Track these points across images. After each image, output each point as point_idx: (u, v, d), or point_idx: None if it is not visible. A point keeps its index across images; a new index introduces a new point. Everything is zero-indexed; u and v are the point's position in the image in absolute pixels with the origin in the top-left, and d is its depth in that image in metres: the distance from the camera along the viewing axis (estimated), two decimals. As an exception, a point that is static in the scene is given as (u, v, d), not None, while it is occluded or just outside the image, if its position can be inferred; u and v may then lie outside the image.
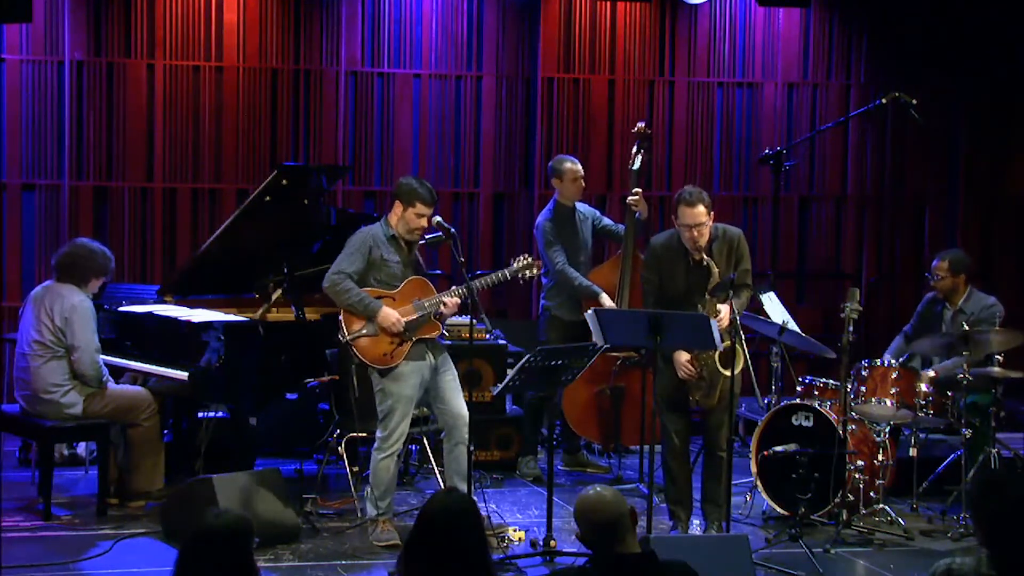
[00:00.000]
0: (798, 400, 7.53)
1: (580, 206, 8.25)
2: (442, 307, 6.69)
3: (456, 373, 6.84)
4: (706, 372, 6.67)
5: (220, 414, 7.71)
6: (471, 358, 7.23)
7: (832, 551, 6.79)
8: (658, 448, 7.05)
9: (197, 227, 9.51)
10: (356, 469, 7.39)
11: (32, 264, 9.31)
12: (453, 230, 6.78)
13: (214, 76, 9.53)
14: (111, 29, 9.34)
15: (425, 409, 7.26)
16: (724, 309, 6.55)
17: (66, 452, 8.16)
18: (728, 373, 6.58)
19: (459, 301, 6.72)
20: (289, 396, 8.10)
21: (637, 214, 8.01)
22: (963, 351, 7.27)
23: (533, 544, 6.74)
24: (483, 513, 4.73)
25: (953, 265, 7.96)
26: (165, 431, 7.61)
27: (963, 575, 3.89)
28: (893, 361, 7.61)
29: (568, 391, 7.98)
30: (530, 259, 6.81)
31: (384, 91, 9.78)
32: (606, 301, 7.89)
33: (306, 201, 7.47)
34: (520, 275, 6.80)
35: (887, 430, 7.51)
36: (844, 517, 7.07)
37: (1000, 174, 10.73)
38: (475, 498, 5.30)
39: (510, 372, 6.71)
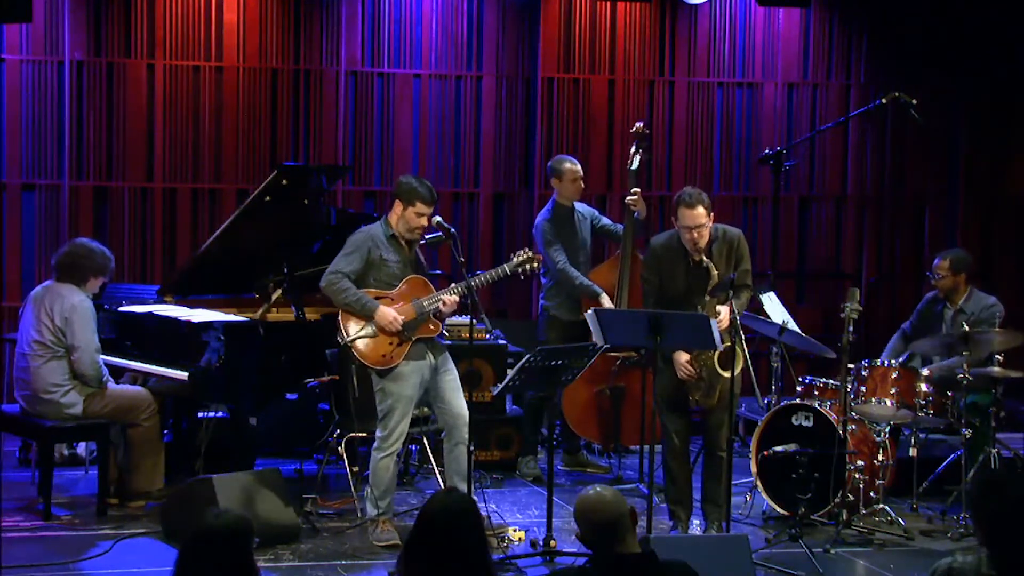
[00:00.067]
0: (798, 400, 7.53)
1: (579, 206, 8.25)
2: (441, 306, 6.68)
3: (456, 373, 6.84)
4: (705, 373, 6.67)
5: (220, 414, 7.71)
6: (471, 358, 7.24)
7: (832, 551, 6.79)
8: (658, 448, 7.05)
9: (197, 227, 9.51)
10: (356, 469, 7.39)
11: (32, 264, 9.31)
12: (453, 230, 6.77)
13: (214, 76, 9.53)
14: (111, 29, 9.34)
15: (425, 409, 7.26)
16: (724, 310, 6.54)
17: (66, 452, 8.15)
18: (727, 374, 6.58)
19: (458, 299, 6.71)
20: (289, 396, 8.10)
21: (636, 214, 8.02)
22: (963, 351, 7.27)
23: (533, 544, 6.74)
24: (483, 513, 4.73)
25: (954, 264, 7.96)
26: (165, 431, 7.61)
27: (964, 574, 3.89)
28: (893, 361, 7.61)
29: (568, 391, 7.98)
30: (530, 253, 6.80)
31: (384, 91, 9.78)
32: (606, 301, 7.89)
33: (306, 201, 7.47)
34: (520, 270, 6.78)
35: (887, 430, 7.51)
36: (844, 517, 7.07)
37: (1000, 174, 10.73)
38: (475, 498, 5.30)
39: (510, 372, 6.71)
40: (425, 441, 7.70)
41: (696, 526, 7.01)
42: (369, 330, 6.62)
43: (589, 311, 6.62)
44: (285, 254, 7.37)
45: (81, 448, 8.15)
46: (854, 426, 7.34)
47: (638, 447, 8.26)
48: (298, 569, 6.37)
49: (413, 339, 6.66)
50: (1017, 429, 8.51)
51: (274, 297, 7.37)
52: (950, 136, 10.61)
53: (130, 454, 7.32)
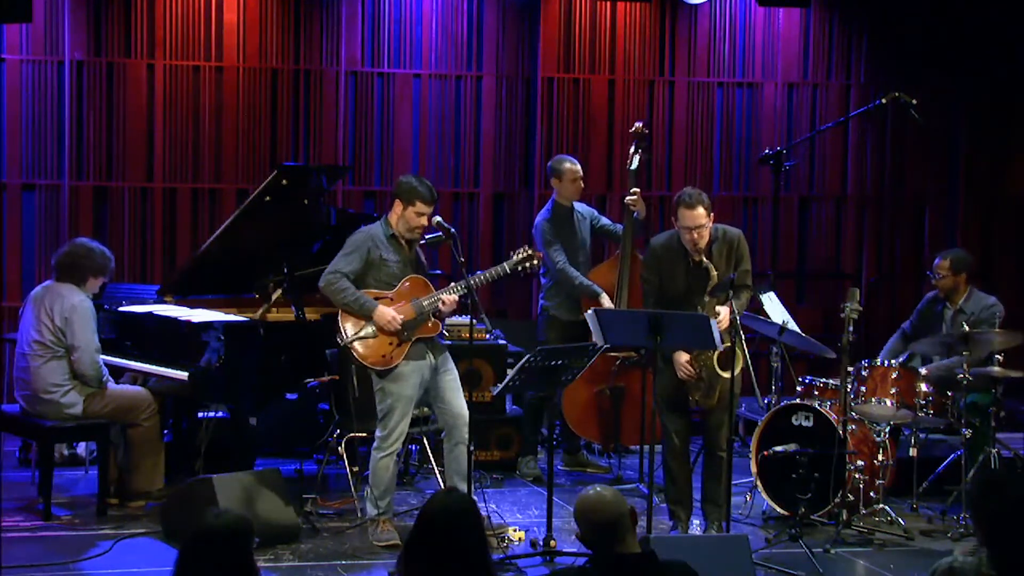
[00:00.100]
0: (798, 400, 7.53)
1: (578, 206, 8.25)
2: (440, 305, 6.67)
3: (456, 373, 6.83)
4: (705, 373, 6.67)
5: (220, 414, 7.71)
6: (471, 358, 7.24)
7: (832, 551, 6.79)
8: (658, 448, 7.05)
9: (197, 227, 9.51)
10: (356, 469, 7.39)
11: (32, 264, 9.31)
12: (453, 230, 6.77)
13: (214, 76, 9.53)
14: (111, 29, 9.34)
15: (425, 409, 7.26)
16: (723, 311, 6.54)
17: (66, 452, 8.16)
18: (727, 375, 6.58)
19: (457, 299, 6.70)
20: (289, 396, 8.10)
21: (635, 214, 8.02)
22: (962, 351, 7.27)
23: (533, 544, 6.74)
24: (483, 513, 4.73)
25: (955, 264, 7.96)
26: (165, 431, 7.61)
27: (964, 574, 3.90)
28: (893, 361, 7.61)
29: (568, 391, 7.98)
30: (530, 251, 6.79)
31: (384, 91, 9.78)
32: (606, 301, 7.89)
33: (306, 201, 7.47)
34: (520, 267, 6.78)
35: (887, 430, 7.51)
36: (844, 517, 7.07)
37: (1000, 174, 10.74)
38: (475, 498, 5.30)
39: (510, 372, 6.71)
40: (425, 441, 7.70)
41: (696, 526, 7.00)
42: (369, 330, 6.62)
43: (589, 311, 6.62)
44: (285, 254, 7.37)
45: (81, 448, 8.15)
46: (854, 426, 7.34)
47: (638, 447, 8.26)
48: (298, 569, 6.37)
49: (413, 339, 6.66)
50: (1017, 429, 8.51)
51: (274, 297, 7.37)
52: (950, 136, 10.61)
53: (130, 454, 7.32)
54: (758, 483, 7.39)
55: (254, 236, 7.36)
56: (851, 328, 7.00)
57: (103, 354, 7.28)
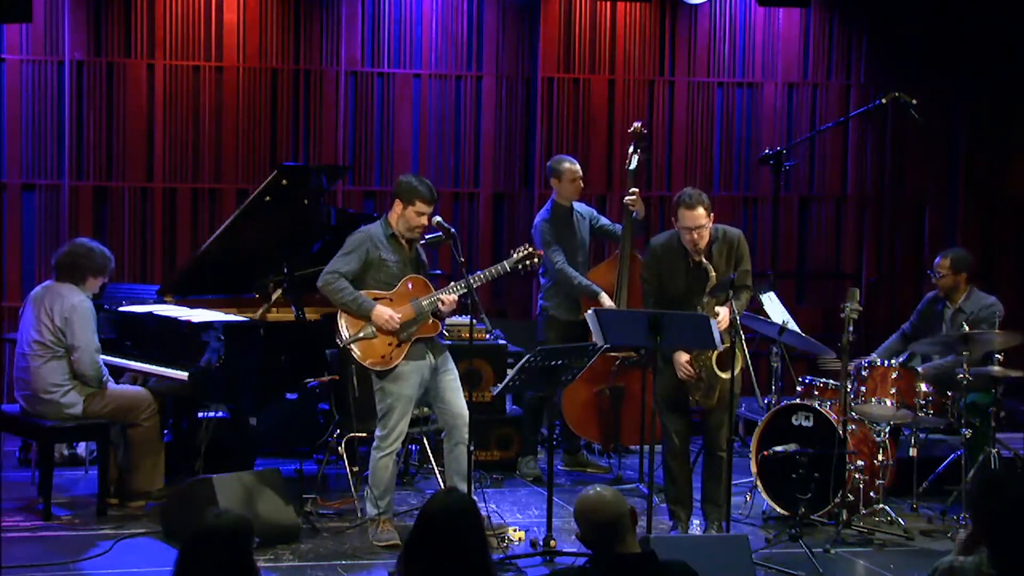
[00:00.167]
0: (798, 400, 7.53)
1: (578, 206, 8.25)
2: (440, 305, 6.67)
3: (456, 373, 6.83)
4: (704, 373, 6.67)
5: (220, 414, 7.71)
6: (471, 358, 7.24)
7: (832, 551, 6.79)
8: (658, 448, 7.05)
9: (197, 227, 9.51)
10: (356, 469, 7.39)
11: (32, 264, 9.31)
12: (453, 230, 6.77)
13: (214, 76, 9.53)
14: (111, 29, 9.34)
15: (425, 409, 7.26)
16: (723, 311, 6.54)
17: (66, 452, 8.16)
18: (725, 375, 6.58)
19: (457, 298, 6.70)
20: (289, 396, 8.10)
21: (634, 214, 8.02)
22: (962, 351, 7.27)
23: (533, 544, 6.74)
24: (483, 513, 4.73)
25: (955, 263, 7.97)
26: (165, 431, 7.61)
27: (964, 573, 3.90)
28: (893, 361, 7.61)
29: (568, 391, 7.98)
30: (530, 249, 6.79)
31: (384, 91, 9.78)
32: (606, 301, 7.89)
33: (306, 201, 7.47)
34: (521, 266, 6.78)
35: (887, 430, 7.51)
36: (844, 517, 7.07)
37: (1000, 174, 10.74)
38: (475, 498, 5.30)
39: (510, 372, 6.71)
40: (425, 441, 7.70)
41: (696, 526, 7.01)
42: (368, 330, 6.61)
43: (589, 311, 6.61)
44: (285, 254, 7.37)
45: (81, 448, 8.15)
46: (854, 426, 7.34)
47: (638, 447, 8.26)
48: (298, 569, 6.37)
49: (412, 339, 6.65)
50: (1017, 429, 8.51)
51: (274, 297, 7.37)
52: (950, 136, 10.61)
53: (130, 454, 7.32)
54: (758, 483, 7.39)
55: (254, 236, 7.36)
56: (851, 328, 7.00)
57: (103, 354, 7.27)
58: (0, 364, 9.02)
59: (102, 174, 9.39)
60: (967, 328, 7.40)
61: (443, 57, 9.83)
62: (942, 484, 7.74)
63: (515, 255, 6.79)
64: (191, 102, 9.49)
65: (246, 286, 7.74)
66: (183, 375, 7.14)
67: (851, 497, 7.17)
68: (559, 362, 6.44)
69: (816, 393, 7.57)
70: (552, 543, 6.57)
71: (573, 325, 7.93)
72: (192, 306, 7.61)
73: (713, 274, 6.59)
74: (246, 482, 6.69)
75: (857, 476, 7.21)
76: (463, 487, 6.39)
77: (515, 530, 6.84)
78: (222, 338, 7.02)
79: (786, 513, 7.17)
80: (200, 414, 7.76)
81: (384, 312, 6.59)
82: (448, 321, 7.24)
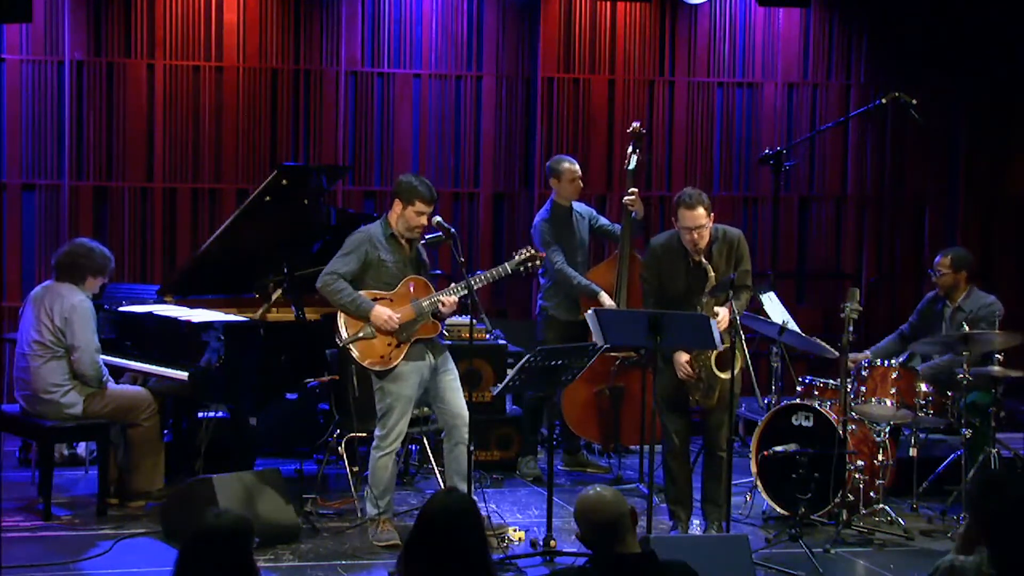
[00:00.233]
0: (798, 400, 7.53)
1: (577, 206, 8.25)
2: (440, 306, 6.67)
3: (456, 373, 6.83)
4: (704, 373, 6.67)
5: (220, 414, 7.71)
6: (471, 358, 7.24)
7: (832, 551, 6.79)
8: (658, 448, 7.05)
9: (197, 227, 9.51)
10: (356, 469, 7.39)
11: (32, 264, 9.31)
12: (453, 230, 6.77)
13: (214, 76, 9.53)
14: (111, 29, 9.34)
15: (425, 409, 7.26)
16: (723, 311, 6.54)
17: (66, 452, 8.16)
18: (725, 376, 6.58)
19: (457, 300, 6.70)
20: (289, 396, 8.10)
21: (633, 214, 8.02)
22: (962, 351, 7.27)
23: (533, 544, 6.74)
24: (483, 513, 4.73)
25: (955, 262, 7.97)
26: (165, 431, 7.61)
27: (965, 573, 3.90)
28: (893, 361, 7.61)
29: (568, 391, 7.98)
30: (532, 251, 6.79)
31: (384, 91, 9.78)
32: (606, 300, 7.89)
33: (306, 201, 7.47)
34: (522, 268, 6.78)
35: (887, 430, 7.51)
36: (844, 517, 7.07)
37: (1000, 174, 10.74)
38: (475, 498, 5.30)
39: (510, 372, 6.71)
40: (425, 441, 7.70)
41: (696, 526, 7.01)
42: (368, 331, 6.61)
43: (589, 311, 6.61)
44: (285, 254, 7.37)
45: (81, 448, 8.15)
46: (854, 426, 7.34)
47: (638, 447, 8.26)
48: (298, 569, 6.37)
49: (412, 340, 6.65)
50: (1017, 429, 8.51)
51: (274, 297, 7.37)
52: (950, 136, 10.61)
53: (130, 454, 7.32)
54: (758, 483, 7.39)
55: (254, 236, 7.36)
56: (851, 328, 7.00)
57: (103, 354, 7.27)
58: (0, 364, 9.02)
59: (102, 174, 9.39)
60: (967, 327, 7.40)
61: (443, 57, 9.83)
62: (942, 484, 7.74)
63: (516, 257, 6.78)
64: (191, 102, 9.49)
65: (246, 286, 7.74)
66: (183, 375, 7.14)
67: (851, 497, 7.17)
68: (559, 362, 6.44)
69: (816, 393, 7.57)
70: (552, 543, 6.57)
71: (573, 325, 7.93)
72: (192, 306, 7.60)
73: (713, 274, 6.59)
74: (246, 482, 6.69)
75: (857, 476, 7.21)
76: (463, 487, 6.39)
77: (515, 530, 6.85)
78: (222, 338, 7.02)
79: (786, 513, 7.17)
80: (200, 414, 7.76)
81: (383, 312, 6.59)
82: (448, 321, 7.24)
